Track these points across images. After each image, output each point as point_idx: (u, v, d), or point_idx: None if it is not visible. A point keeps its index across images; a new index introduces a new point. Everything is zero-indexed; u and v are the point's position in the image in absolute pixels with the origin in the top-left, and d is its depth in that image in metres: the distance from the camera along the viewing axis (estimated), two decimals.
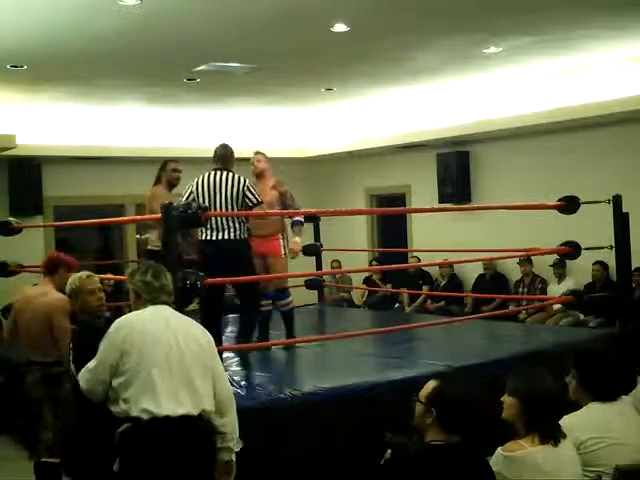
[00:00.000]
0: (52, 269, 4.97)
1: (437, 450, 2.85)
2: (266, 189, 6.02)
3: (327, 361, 5.48)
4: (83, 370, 3.33)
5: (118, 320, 3.29)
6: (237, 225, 5.27)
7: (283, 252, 6.05)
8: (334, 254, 10.52)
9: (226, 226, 5.24)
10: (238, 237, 5.27)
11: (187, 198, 5.29)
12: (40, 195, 9.98)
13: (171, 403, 3.11)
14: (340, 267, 10.78)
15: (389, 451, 3.02)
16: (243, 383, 4.58)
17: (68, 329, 4.45)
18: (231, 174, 5.41)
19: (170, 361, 3.17)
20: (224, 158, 5.56)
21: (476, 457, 2.89)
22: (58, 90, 8.24)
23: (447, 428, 2.85)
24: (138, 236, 11.03)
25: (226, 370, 5.01)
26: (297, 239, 6.18)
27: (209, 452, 3.28)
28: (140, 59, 6.99)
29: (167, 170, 6.20)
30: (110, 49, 6.56)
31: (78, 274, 4.31)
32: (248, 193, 5.35)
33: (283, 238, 6.09)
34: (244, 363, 5.23)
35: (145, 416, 3.08)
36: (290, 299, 6.19)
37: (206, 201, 5.24)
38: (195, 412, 3.17)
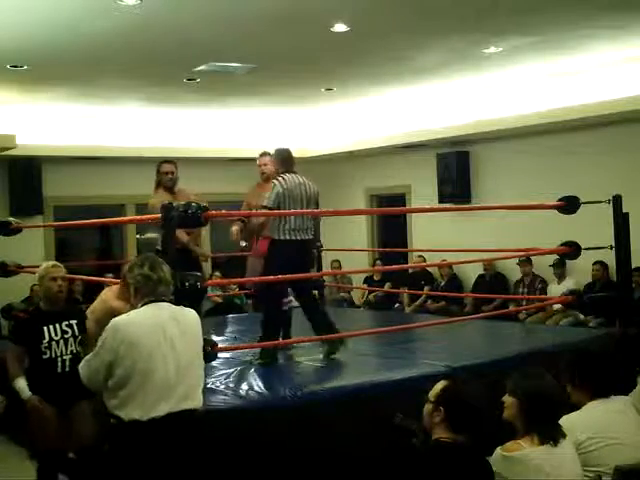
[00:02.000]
0: None
1: (444, 447, 2.92)
2: (268, 190, 5.96)
3: (327, 361, 5.47)
4: (83, 362, 3.40)
5: (116, 321, 3.29)
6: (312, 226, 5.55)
7: None
8: (334, 254, 10.53)
9: (308, 227, 5.49)
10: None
11: (276, 199, 5.33)
12: (40, 195, 9.98)
13: (160, 406, 3.20)
14: (340, 267, 10.78)
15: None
16: (243, 383, 4.58)
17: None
18: (304, 177, 5.56)
19: (166, 366, 3.24)
20: (293, 161, 5.65)
21: (479, 457, 2.94)
22: (58, 90, 8.24)
23: (454, 427, 2.93)
24: (138, 236, 11.04)
25: (226, 370, 5.04)
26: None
27: (199, 444, 3.37)
28: (140, 59, 6.99)
29: (160, 173, 6.28)
30: (110, 49, 6.56)
31: (46, 263, 4.68)
32: (318, 196, 5.65)
33: None
34: (243, 363, 5.23)
35: (129, 418, 3.18)
36: (290, 298, 6.19)
37: (297, 203, 5.40)
38: (191, 405, 3.31)
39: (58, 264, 4.67)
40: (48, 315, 4.58)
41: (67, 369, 4.48)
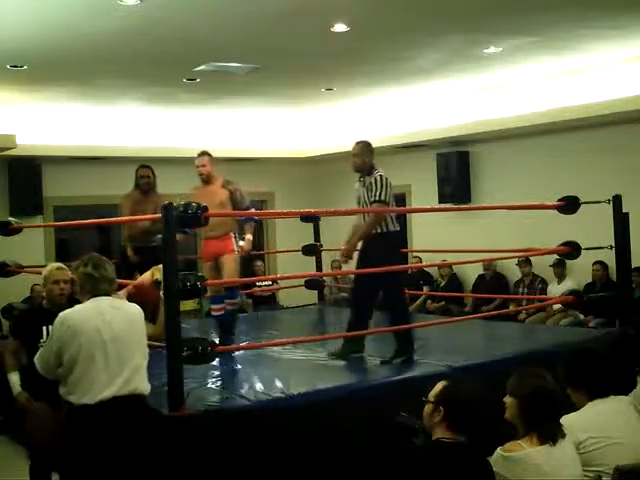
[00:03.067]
0: None
1: (444, 447, 2.92)
2: (216, 190, 5.93)
3: (327, 361, 5.47)
4: (37, 354, 3.74)
5: (63, 314, 3.61)
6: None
7: (235, 251, 5.94)
8: (335, 254, 10.52)
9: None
10: None
11: (390, 191, 5.44)
12: (40, 195, 9.98)
13: (106, 390, 3.49)
14: (340, 267, 10.76)
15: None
16: (243, 383, 4.59)
17: None
18: None
19: (107, 352, 3.53)
20: None
21: (480, 457, 2.94)
22: (58, 90, 8.24)
23: (454, 427, 2.94)
24: None
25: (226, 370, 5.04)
26: (249, 236, 6.00)
27: (147, 425, 3.63)
28: (140, 59, 6.99)
29: (136, 177, 7.10)
30: (110, 49, 6.56)
31: (52, 264, 4.72)
32: None
33: (234, 237, 6.00)
34: (246, 363, 5.23)
35: (79, 402, 3.49)
36: (238, 300, 6.21)
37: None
38: (132, 389, 3.57)
39: (63, 266, 4.67)
40: (49, 314, 4.57)
41: None
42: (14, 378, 4.48)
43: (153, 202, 6.63)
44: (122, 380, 3.54)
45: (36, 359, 3.73)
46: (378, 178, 5.34)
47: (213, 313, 6.08)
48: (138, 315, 3.79)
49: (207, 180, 6.00)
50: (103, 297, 3.69)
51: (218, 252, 5.92)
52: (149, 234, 6.50)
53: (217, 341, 5.24)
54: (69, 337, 3.52)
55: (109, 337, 3.56)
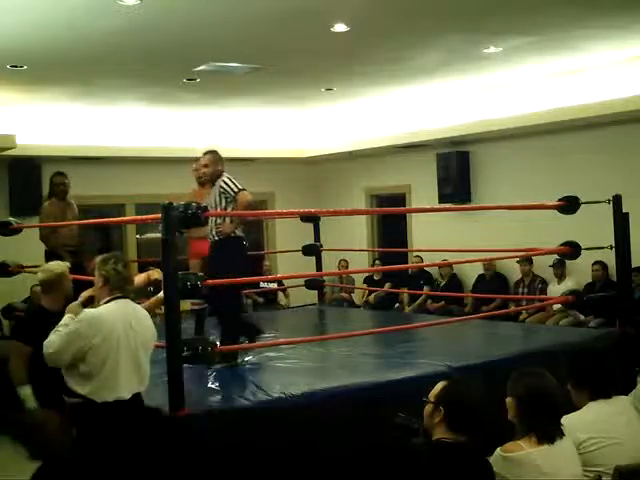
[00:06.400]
0: None
1: (444, 447, 2.92)
2: (205, 193, 5.85)
3: (327, 361, 5.47)
4: (54, 336, 3.64)
5: (91, 314, 3.64)
6: None
7: None
8: (339, 254, 10.55)
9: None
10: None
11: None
12: (40, 195, 9.95)
13: (125, 391, 3.63)
14: (347, 267, 10.78)
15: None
16: (242, 383, 4.58)
17: None
18: None
19: (131, 356, 3.66)
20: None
21: (480, 457, 2.93)
22: (58, 90, 8.24)
23: (454, 427, 2.93)
24: (138, 236, 11.04)
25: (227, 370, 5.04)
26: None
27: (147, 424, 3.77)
28: (140, 59, 6.99)
29: (53, 184, 7.23)
30: (110, 49, 6.56)
31: (61, 263, 4.71)
32: None
33: None
34: (242, 363, 5.23)
35: (99, 401, 3.58)
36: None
37: None
38: (141, 389, 3.73)
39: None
40: (53, 315, 4.54)
41: None
42: (27, 391, 4.28)
43: (71, 208, 7.22)
44: (137, 380, 3.69)
45: (49, 347, 3.65)
46: (226, 179, 5.31)
47: (194, 307, 6.09)
48: (147, 317, 3.88)
49: (204, 183, 5.94)
50: (126, 300, 3.77)
51: (203, 253, 5.82)
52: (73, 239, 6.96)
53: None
54: (99, 342, 3.56)
55: (132, 339, 3.66)
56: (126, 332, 3.65)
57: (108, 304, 3.72)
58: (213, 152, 5.58)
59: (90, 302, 3.91)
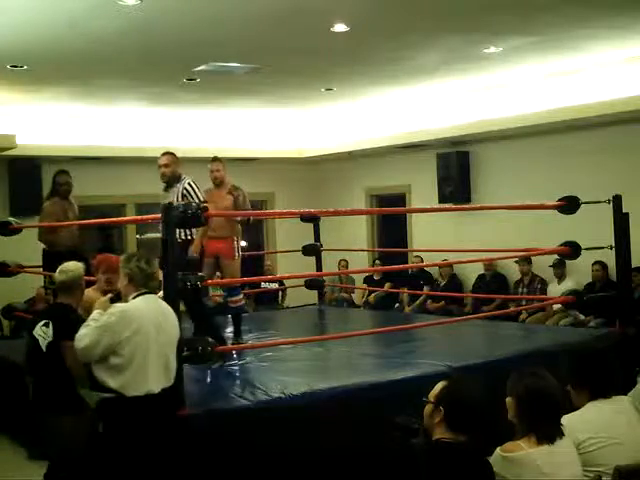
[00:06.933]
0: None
1: (444, 447, 2.91)
2: (222, 194, 6.21)
3: (327, 361, 5.48)
4: (86, 330, 3.68)
5: (122, 308, 3.70)
6: None
7: (236, 254, 6.20)
8: (339, 254, 10.55)
9: None
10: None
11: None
12: (40, 195, 9.95)
13: (154, 385, 3.67)
14: (347, 267, 10.78)
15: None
16: (243, 383, 4.59)
17: None
18: None
19: (158, 349, 3.70)
20: None
21: (480, 457, 2.93)
22: (58, 90, 8.24)
23: (453, 427, 2.92)
24: (138, 236, 11.04)
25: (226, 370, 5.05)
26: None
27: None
28: (140, 59, 6.99)
29: (56, 183, 7.11)
30: (110, 49, 6.56)
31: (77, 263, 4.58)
32: None
33: (236, 241, 6.25)
34: (243, 363, 5.24)
35: (129, 395, 3.60)
36: (240, 297, 6.34)
37: None
38: (168, 385, 3.77)
39: None
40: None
41: None
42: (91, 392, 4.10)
43: (72, 209, 7.13)
44: (165, 375, 3.76)
45: (80, 340, 3.69)
46: (187, 185, 5.70)
47: (232, 305, 6.31)
48: (174, 315, 3.93)
49: (219, 184, 6.27)
50: (153, 295, 3.84)
51: (218, 252, 6.12)
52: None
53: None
54: (131, 334, 3.61)
55: (161, 334, 3.73)
56: (155, 327, 3.71)
57: (136, 299, 3.77)
58: (172, 153, 5.98)
59: (118, 298, 3.95)
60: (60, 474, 4.08)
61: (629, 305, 5.75)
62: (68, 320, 4.14)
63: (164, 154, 5.97)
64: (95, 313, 3.80)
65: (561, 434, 3.01)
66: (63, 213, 7.01)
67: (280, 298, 10.86)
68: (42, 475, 4.19)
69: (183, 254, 5.32)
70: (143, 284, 3.80)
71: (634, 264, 6.09)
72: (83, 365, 3.95)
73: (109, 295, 4.06)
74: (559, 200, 5.92)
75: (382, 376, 4.70)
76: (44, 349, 4.14)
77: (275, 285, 10.53)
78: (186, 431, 3.88)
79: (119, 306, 3.73)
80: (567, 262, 8.41)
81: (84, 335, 3.68)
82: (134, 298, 3.79)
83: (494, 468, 2.92)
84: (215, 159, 6.34)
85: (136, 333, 3.63)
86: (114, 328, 3.62)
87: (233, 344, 5.90)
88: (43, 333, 4.17)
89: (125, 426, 3.64)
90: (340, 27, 6.15)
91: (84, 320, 4.21)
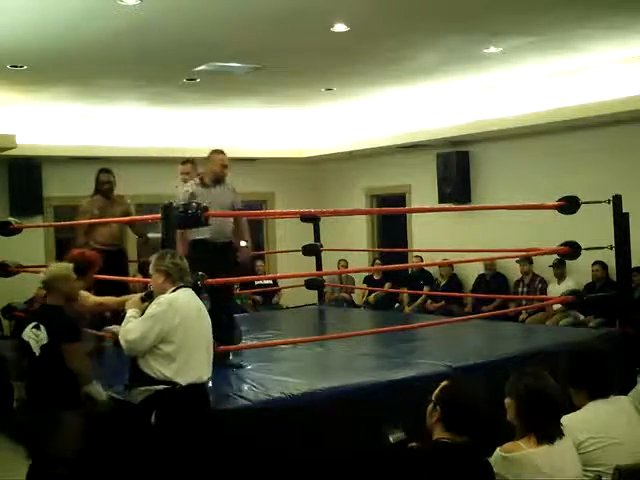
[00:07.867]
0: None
1: (442, 447, 2.91)
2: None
3: (327, 361, 5.48)
4: (132, 324, 3.80)
5: (169, 297, 3.80)
6: None
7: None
8: (339, 254, 10.54)
9: None
10: None
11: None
12: (40, 195, 9.98)
13: (203, 372, 3.82)
14: (347, 267, 10.78)
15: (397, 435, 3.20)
16: (243, 383, 4.58)
17: None
18: None
19: (201, 339, 3.84)
20: None
21: (479, 457, 2.92)
22: (58, 90, 8.24)
23: (451, 427, 2.93)
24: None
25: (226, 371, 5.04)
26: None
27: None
28: (140, 59, 7.00)
29: (98, 182, 7.04)
30: (110, 49, 6.56)
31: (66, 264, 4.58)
32: None
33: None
34: (244, 363, 5.23)
35: (184, 382, 3.70)
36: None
37: None
38: (210, 375, 3.91)
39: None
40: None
41: None
42: (97, 387, 4.14)
43: (119, 204, 7.09)
44: (208, 364, 3.89)
45: (129, 332, 3.76)
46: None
47: None
48: (205, 308, 4.01)
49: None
50: (190, 289, 3.95)
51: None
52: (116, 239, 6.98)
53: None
54: (179, 321, 3.73)
55: (202, 324, 3.89)
56: (197, 317, 3.86)
57: (175, 292, 3.85)
58: None
59: (148, 297, 3.99)
60: (60, 472, 4.08)
61: (629, 305, 5.75)
62: (63, 323, 4.12)
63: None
64: (131, 311, 3.91)
65: (561, 434, 3.01)
66: (100, 211, 6.86)
67: (277, 298, 10.85)
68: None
69: (228, 257, 5.39)
70: (179, 278, 3.90)
71: (634, 264, 6.09)
72: (87, 363, 4.08)
73: (139, 294, 4.11)
74: (559, 200, 5.91)
75: (382, 376, 4.70)
76: (37, 352, 4.07)
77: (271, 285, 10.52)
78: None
79: (165, 297, 3.82)
80: (567, 262, 8.41)
81: (130, 330, 3.77)
82: (173, 292, 3.87)
83: (494, 468, 2.92)
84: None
85: (184, 320, 3.75)
86: (165, 316, 3.72)
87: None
88: (35, 336, 4.10)
89: (179, 416, 3.70)
90: (340, 27, 6.15)
91: (77, 319, 4.34)
